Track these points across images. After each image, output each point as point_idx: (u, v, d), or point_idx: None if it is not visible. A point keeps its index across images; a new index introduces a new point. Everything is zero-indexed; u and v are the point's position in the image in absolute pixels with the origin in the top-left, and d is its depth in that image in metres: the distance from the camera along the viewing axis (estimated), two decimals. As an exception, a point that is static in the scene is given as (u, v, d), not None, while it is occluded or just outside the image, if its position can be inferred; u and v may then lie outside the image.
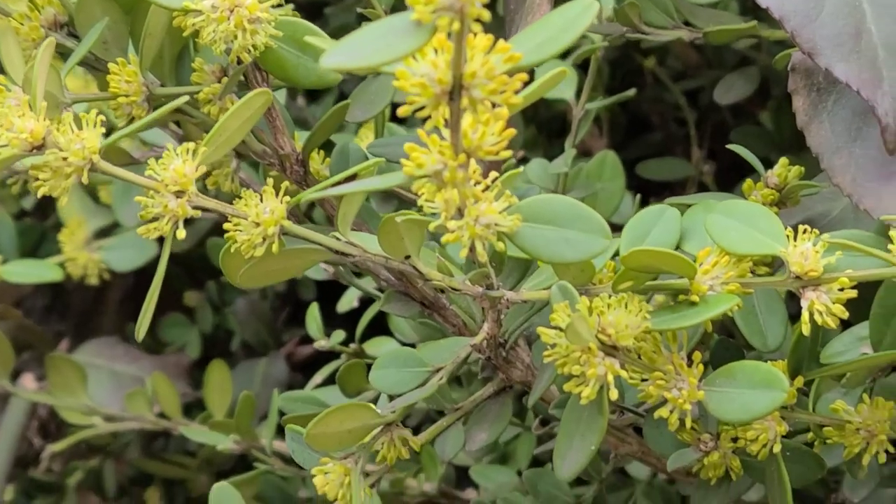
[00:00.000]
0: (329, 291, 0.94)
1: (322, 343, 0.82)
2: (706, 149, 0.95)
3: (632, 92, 0.81)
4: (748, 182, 0.64)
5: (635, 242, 0.58)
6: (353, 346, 0.83)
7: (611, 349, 0.55)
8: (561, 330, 0.55)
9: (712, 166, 0.95)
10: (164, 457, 1.06)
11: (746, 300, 0.60)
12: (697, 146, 0.94)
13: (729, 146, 0.64)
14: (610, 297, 0.56)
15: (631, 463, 0.76)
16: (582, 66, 0.87)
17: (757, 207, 0.57)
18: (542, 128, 1.00)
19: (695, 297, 0.56)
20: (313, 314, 0.83)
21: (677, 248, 0.58)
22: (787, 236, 0.56)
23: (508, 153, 0.51)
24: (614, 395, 0.55)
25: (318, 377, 0.87)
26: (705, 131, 0.96)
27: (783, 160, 0.64)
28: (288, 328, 1.08)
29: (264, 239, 0.57)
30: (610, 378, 0.55)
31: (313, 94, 1.05)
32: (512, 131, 0.51)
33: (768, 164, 0.65)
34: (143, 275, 1.04)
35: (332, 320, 0.87)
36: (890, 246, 0.54)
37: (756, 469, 0.62)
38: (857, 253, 0.55)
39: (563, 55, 0.76)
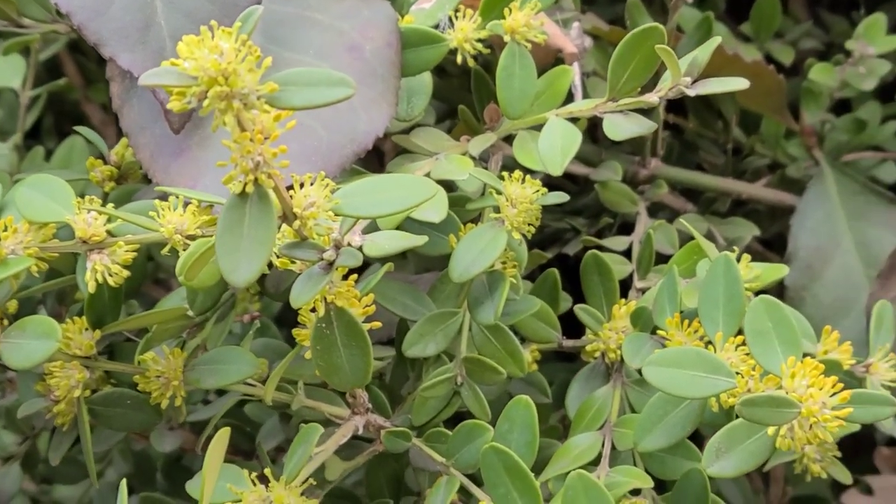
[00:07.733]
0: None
1: None
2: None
3: (63, 81, 0.88)
4: (90, 159, 0.71)
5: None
6: None
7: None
8: None
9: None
10: None
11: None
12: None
13: (76, 127, 0.71)
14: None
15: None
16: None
17: (56, 181, 0.64)
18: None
19: (-2, 261, 0.63)
20: None
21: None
22: (76, 204, 0.63)
23: None
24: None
25: None
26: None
27: (123, 140, 0.71)
28: None
29: None
30: None
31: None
32: None
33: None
34: None
35: None
36: (153, 213, 0.62)
37: (102, 416, 0.69)
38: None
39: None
